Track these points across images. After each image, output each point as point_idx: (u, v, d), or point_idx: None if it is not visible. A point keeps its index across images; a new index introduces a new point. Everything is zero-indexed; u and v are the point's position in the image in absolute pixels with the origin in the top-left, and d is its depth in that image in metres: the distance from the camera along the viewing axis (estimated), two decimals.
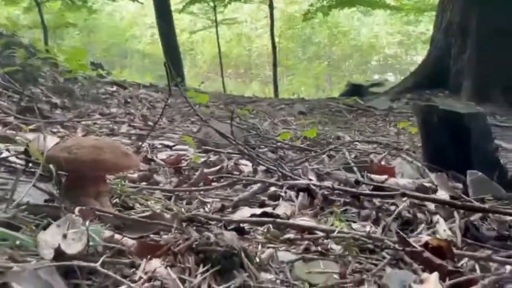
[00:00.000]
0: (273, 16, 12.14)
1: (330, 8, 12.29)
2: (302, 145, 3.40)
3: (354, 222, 1.50)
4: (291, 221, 1.37)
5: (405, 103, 7.97)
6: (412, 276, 1.01)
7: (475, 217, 1.47)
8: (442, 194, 1.65)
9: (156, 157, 2.53)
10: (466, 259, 1.18)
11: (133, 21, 21.73)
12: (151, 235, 1.09)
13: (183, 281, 0.86)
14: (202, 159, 2.41)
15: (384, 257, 1.13)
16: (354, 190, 1.68)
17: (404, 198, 1.55)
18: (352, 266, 1.07)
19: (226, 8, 13.63)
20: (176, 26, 13.01)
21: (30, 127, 2.83)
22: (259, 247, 1.16)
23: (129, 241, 0.98)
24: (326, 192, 1.68)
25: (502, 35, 7.91)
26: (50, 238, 0.82)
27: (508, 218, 1.48)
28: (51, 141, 1.41)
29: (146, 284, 0.82)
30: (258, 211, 1.48)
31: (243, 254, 0.93)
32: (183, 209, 1.54)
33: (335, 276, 1.01)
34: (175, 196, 1.70)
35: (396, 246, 1.13)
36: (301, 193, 1.66)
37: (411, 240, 1.16)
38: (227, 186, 1.88)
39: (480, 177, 1.75)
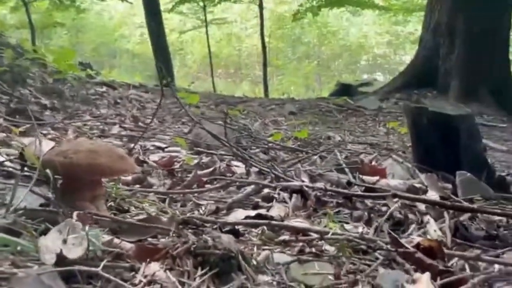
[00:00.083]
0: (263, 16, 12.16)
1: (320, 8, 12.35)
2: (293, 146, 3.42)
3: (347, 223, 1.52)
4: (285, 222, 1.39)
5: (394, 103, 8.05)
6: (405, 276, 1.04)
7: (464, 217, 1.51)
8: (432, 195, 1.69)
9: (149, 159, 2.53)
10: (456, 259, 1.21)
11: (122, 20, 21.60)
12: (149, 239, 1.11)
13: (182, 284, 0.87)
14: (195, 161, 2.42)
15: (377, 258, 1.16)
16: (346, 191, 1.71)
17: (395, 199, 1.58)
18: (346, 267, 1.09)
19: (216, 8, 13.63)
20: (166, 25, 12.96)
21: (21, 129, 2.82)
22: (255, 249, 1.18)
23: (127, 245, 1.00)
24: (318, 194, 1.70)
25: (489, 35, 8.03)
26: (51, 243, 0.83)
27: (496, 218, 1.52)
28: (46, 145, 1.42)
29: None
30: (252, 213, 1.50)
31: (240, 257, 0.95)
32: (177, 212, 1.55)
33: (330, 277, 1.04)
34: (169, 198, 1.71)
35: (389, 247, 1.15)
36: (294, 195, 1.68)
37: (403, 241, 1.19)
38: (220, 188, 1.90)
39: (469, 178, 1.79)
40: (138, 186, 1.88)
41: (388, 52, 20.83)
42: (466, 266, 1.17)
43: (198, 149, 2.90)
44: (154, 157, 2.62)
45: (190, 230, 1.28)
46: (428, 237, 1.37)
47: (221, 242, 0.94)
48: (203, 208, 1.64)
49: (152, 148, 2.99)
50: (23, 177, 1.41)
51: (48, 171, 1.17)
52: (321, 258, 1.12)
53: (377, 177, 1.83)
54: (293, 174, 2.02)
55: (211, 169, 2.26)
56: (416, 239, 1.21)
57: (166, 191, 1.79)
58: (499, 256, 1.24)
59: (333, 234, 1.22)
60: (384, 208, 1.62)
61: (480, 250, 1.29)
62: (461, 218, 1.49)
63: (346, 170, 1.98)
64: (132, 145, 2.84)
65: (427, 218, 1.50)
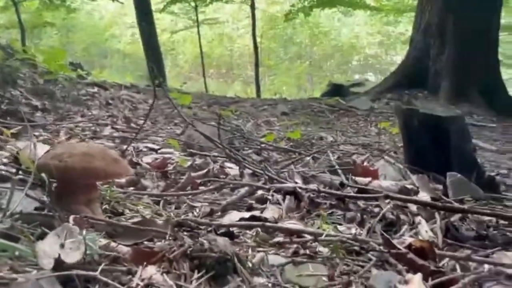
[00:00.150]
0: (255, 16, 12.18)
1: (311, 8, 12.40)
2: (286, 147, 3.44)
3: (340, 224, 1.54)
4: (279, 224, 1.41)
5: (385, 103, 8.11)
6: (397, 277, 1.06)
7: (455, 217, 1.53)
8: (424, 196, 1.71)
9: (142, 160, 2.53)
10: (447, 259, 1.23)
11: (112, 20, 21.49)
12: (145, 242, 1.11)
13: (179, 287, 0.89)
14: (188, 163, 2.43)
15: (370, 259, 1.18)
16: (339, 192, 1.73)
17: (387, 200, 1.61)
18: (340, 268, 1.11)
19: (207, 8, 13.62)
20: (157, 25, 12.93)
21: (12, 130, 2.80)
22: (250, 251, 1.19)
23: (123, 249, 1.00)
24: (312, 195, 1.72)
25: (479, 36, 8.11)
26: (48, 248, 0.83)
27: (486, 218, 1.55)
28: (41, 148, 1.42)
29: None
30: (247, 214, 1.52)
31: (236, 259, 0.96)
32: (172, 214, 1.56)
33: (324, 278, 1.05)
34: (163, 200, 1.72)
35: (382, 248, 1.17)
36: (287, 196, 1.69)
37: (395, 241, 1.21)
38: (214, 190, 1.91)
39: (459, 179, 1.82)
40: (132, 188, 1.88)
41: (380, 52, 20.97)
42: (457, 266, 1.19)
43: (191, 150, 2.91)
44: (147, 158, 2.62)
45: (185, 233, 1.29)
46: (420, 237, 1.39)
47: (217, 245, 0.96)
48: (197, 210, 1.65)
49: (145, 149, 2.99)
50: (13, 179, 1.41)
51: (43, 175, 1.18)
52: (315, 259, 1.14)
53: (369, 178, 1.85)
54: (287, 176, 2.03)
55: (204, 171, 2.27)
56: (408, 240, 1.23)
57: (160, 194, 1.80)
58: (489, 256, 1.27)
59: (326, 235, 1.24)
60: (376, 209, 1.64)
61: (470, 250, 1.31)
62: (452, 219, 1.51)
63: (339, 171, 2.00)
64: (125, 146, 2.84)
65: (418, 219, 1.52)
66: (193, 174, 2.12)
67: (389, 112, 7.26)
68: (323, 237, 1.23)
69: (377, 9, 13.37)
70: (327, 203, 1.70)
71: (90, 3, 17.06)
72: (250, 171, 2.13)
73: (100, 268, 0.83)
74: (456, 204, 1.64)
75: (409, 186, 1.84)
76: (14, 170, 1.41)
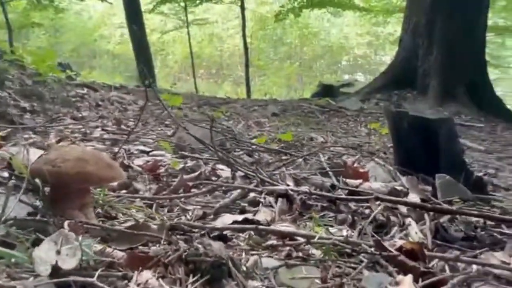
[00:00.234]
0: (245, 16, 12.19)
1: (301, 9, 12.45)
2: (277, 148, 3.46)
3: (331, 226, 1.56)
4: (272, 227, 1.43)
5: (375, 104, 8.18)
6: (388, 278, 1.08)
7: (444, 219, 1.56)
8: (413, 197, 1.74)
9: (133, 163, 2.53)
10: (436, 260, 1.26)
11: (101, 20, 21.35)
12: (140, 247, 1.12)
13: None
14: (180, 165, 2.43)
15: (361, 261, 1.20)
16: (330, 194, 1.75)
17: (378, 202, 1.63)
18: (332, 270, 1.13)
19: (197, 8, 13.60)
20: (146, 26, 12.88)
21: (1, 133, 2.78)
22: (243, 254, 1.21)
23: (118, 253, 1.01)
24: (304, 197, 1.74)
25: (466, 37, 8.22)
26: (45, 254, 0.84)
27: (474, 219, 1.58)
28: (34, 153, 1.42)
29: None
30: (239, 217, 1.53)
31: (230, 263, 0.98)
32: (165, 217, 1.56)
33: (317, 281, 1.07)
34: (156, 204, 1.72)
35: (373, 250, 1.20)
36: (280, 199, 1.71)
37: (386, 243, 1.23)
38: (207, 192, 1.92)
39: (447, 180, 1.86)
40: (124, 191, 1.88)
41: (369, 53, 21.13)
42: (446, 267, 1.22)
43: (183, 152, 2.91)
44: (139, 161, 2.62)
45: (179, 236, 1.30)
46: (410, 239, 1.42)
47: (212, 249, 0.97)
48: (190, 213, 1.66)
49: (136, 152, 2.98)
50: (5, 185, 1.40)
51: (37, 180, 1.18)
52: (308, 262, 1.16)
53: (360, 180, 1.88)
54: (278, 178, 2.05)
55: (196, 173, 2.27)
56: (399, 242, 1.25)
57: (153, 197, 1.80)
58: (477, 257, 1.30)
59: (319, 238, 1.25)
60: (367, 211, 1.67)
61: (459, 251, 1.34)
62: (441, 220, 1.54)
63: (330, 173, 2.02)
64: (116, 149, 2.84)
65: (408, 220, 1.55)
66: (185, 176, 2.13)
67: (379, 113, 7.33)
68: (315, 240, 1.25)
69: (366, 10, 13.46)
70: (319, 205, 1.72)
71: (79, 3, 16.93)
72: (242, 173, 2.14)
73: (96, 274, 0.84)
74: (445, 206, 1.67)
75: (399, 188, 1.87)
76: (6, 175, 1.41)
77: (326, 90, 9.73)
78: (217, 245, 0.99)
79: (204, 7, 14.30)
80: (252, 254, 1.20)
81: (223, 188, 1.92)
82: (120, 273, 0.91)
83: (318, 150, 2.49)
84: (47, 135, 3.42)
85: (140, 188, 2.01)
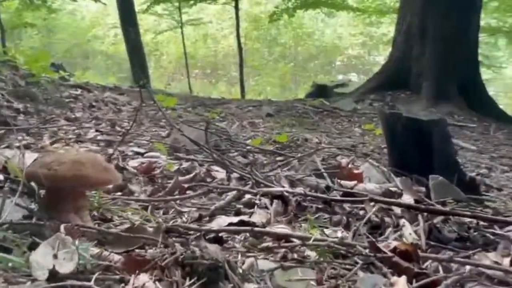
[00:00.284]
0: (239, 17, 12.20)
1: (295, 9, 12.48)
2: (272, 149, 3.47)
3: (326, 227, 1.57)
4: (267, 229, 1.43)
5: (369, 104, 8.22)
6: (383, 279, 1.09)
7: (438, 219, 1.58)
8: (407, 198, 1.76)
9: (128, 165, 2.53)
10: (430, 261, 1.27)
11: (95, 21, 21.26)
12: (136, 250, 1.13)
13: None
14: (175, 167, 2.44)
15: (356, 262, 1.21)
16: (325, 196, 1.76)
17: (372, 203, 1.65)
18: (328, 272, 1.14)
19: (191, 8, 13.58)
20: (140, 26, 12.85)
21: None
22: (239, 256, 1.21)
23: (115, 257, 1.02)
24: (299, 199, 1.75)
25: (459, 37, 8.27)
26: (42, 258, 0.84)
27: (467, 220, 1.60)
28: (30, 157, 1.42)
29: None
30: (235, 219, 1.54)
31: (227, 266, 0.98)
32: (160, 220, 1.57)
33: (313, 282, 1.08)
34: (151, 206, 1.73)
35: (368, 251, 1.21)
36: (275, 200, 1.72)
37: (380, 244, 1.25)
38: (202, 194, 1.92)
39: (441, 181, 1.87)
40: (119, 193, 1.88)
41: (362, 53, 21.22)
42: (440, 268, 1.24)
43: (178, 154, 2.91)
44: (134, 163, 2.61)
45: (175, 239, 1.31)
46: (404, 240, 1.43)
47: (208, 252, 0.98)
48: (186, 215, 1.66)
49: (131, 153, 2.98)
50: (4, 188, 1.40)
51: (32, 183, 1.18)
52: (304, 264, 1.17)
53: (354, 182, 1.89)
54: (273, 179, 2.06)
55: (191, 175, 2.28)
56: (393, 243, 1.27)
57: (148, 199, 1.81)
58: (470, 258, 1.31)
59: (314, 240, 1.26)
60: (361, 212, 1.68)
61: (452, 252, 1.36)
62: (435, 221, 1.56)
63: (325, 174, 2.03)
64: (111, 150, 2.83)
65: (402, 221, 1.56)
66: (180, 178, 2.13)
67: (372, 113, 7.36)
68: (311, 242, 1.26)
69: (359, 10, 13.51)
70: (314, 206, 1.73)
71: (72, 3, 16.84)
72: (237, 175, 2.15)
73: (94, 277, 0.84)
74: (439, 207, 1.69)
75: (393, 189, 1.89)
76: (1, 178, 1.40)
77: (320, 91, 9.75)
78: (213, 248, 1.00)
79: (198, 7, 14.29)
80: (248, 256, 1.21)
81: (219, 190, 1.93)
82: (117, 277, 0.92)
83: (313, 152, 2.50)
84: (40, 137, 3.41)
85: (135, 190, 2.01)
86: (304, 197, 1.75)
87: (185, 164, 2.58)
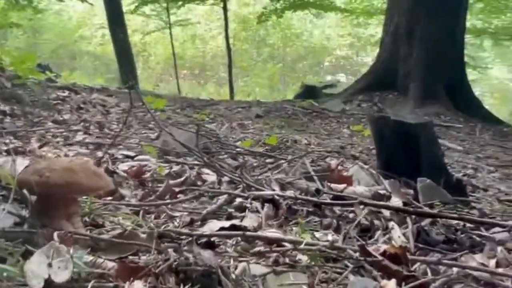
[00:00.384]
0: (227, 17, 12.20)
1: (283, 10, 12.52)
2: (262, 151, 3.48)
3: (317, 230, 1.59)
4: (259, 233, 1.45)
5: (357, 105, 8.28)
6: (373, 283, 1.12)
7: (426, 222, 1.61)
8: (396, 201, 1.79)
9: (118, 168, 2.52)
10: (418, 263, 1.30)
11: (82, 21, 21.07)
12: (130, 256, 1.13)
13: None
14: (166, 170, 2.44)
15: (346, 265, 1.23)
16: (316, 199, 1.78)
17: (362, 206, 1.67)
18: (319, 276, 1.16)
19: (179, 9, 13.55)
20: (128, 26, 12.78)
21: None
22: (231, 261, 1.23)
23: (109, 264, 1.02)
24: (289, 202, 1.77)
25: (446, 38, 8.38)
26: (36, 267, 0.85)
27: (454, 222, 1.63)
28: (21, 163, 1.41)
29: None
30: (227, 223, 1.55)
31: (220, 272, 1.00)
32: (152, 224, 1.57)
33: (304, 287, 1.10)
34: (142, 210, 1.73)
35: (358, 255, 1.23)
36: (266, 204, 1.73)
37: (371, 248, 1.27)
38: (193, 198, 1.93)
39: (428, 184, 1.91)
40: (110, 198, 1.88)
41: (350, 54, 21.36)
42: (428, 270, 1.26)
43: (167, 157, 2.91)
44: (124, 166, 2.61)
45: (167, 244, 1.31)
46: (393, 242, 1.46)
47: (202, 258, 0.99)
48: (177, 220, 1.67)
49: (120, 156, 2.97)
50: None
51: (24, 191, 1.18)
52: (295, 268, 1.18)
53: (344, 185, 1.92)
54: (264, 183, 2.07)
55: (182, 178, 2.28)
56: (383, 246, 1.29)
57: (139, 203, 1.81)
58: (457, 260, 1.34)
59: (306, 244, 1.28)
60: (351, 215, 1.71)
61: (440, 254, 1.39)
62: (423, 223, 1.59)
63: (315, 178, 2.06)
64: (100, 154, 2.82)
65: (391, 224, 1.59)
66: (171, 182, 2.14)
67: (361, 114, 7.43)
68: (302, 246, 1.27)
69: (347, 12, 13.60)
70: (304, 210, 1.75)
71: (58, 4, 16.68)
72: (228, 178, 2.16)
73: (89, 286, 0.85)
74: (426, 209, 1.72)
75: (382, 192, 1.92)
76: None
77: (309, 91, 9.80)
78: (207, 254, 1.02)
79: (186, 8, 14.25)
80: (240, 261, 1.22)
81: (210, 193, 1.94)
82: (111, 284, 0.93)
83: (303, 155, 2.52)
84: (28, 140, 3.38)
85: (126, 194, 2.01)
86: (294, 201, 1.77)
87: (176, 168, 2.59)
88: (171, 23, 13.49)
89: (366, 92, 8.82)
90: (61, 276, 0.84)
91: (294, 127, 6.20)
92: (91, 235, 1.21)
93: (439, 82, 8.27)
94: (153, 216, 1.73)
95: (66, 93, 6.65)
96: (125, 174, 2.35)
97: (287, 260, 1.24)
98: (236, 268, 1.15)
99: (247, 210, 1.72)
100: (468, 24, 10.03)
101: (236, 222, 1.58)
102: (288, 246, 1.32)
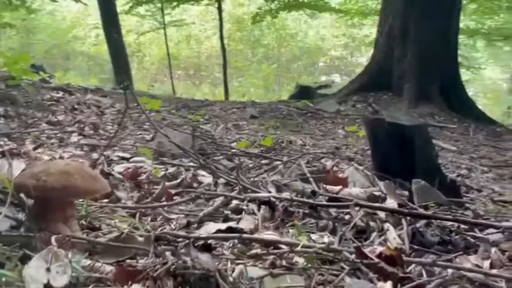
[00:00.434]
0: (222, 18, 12.20)
1: (278, 11, 12.54)
2: (257, 152, 3.49)
3: (313, 232, 1.60)
4: (256, 235, 1.45)
5: (351, 106, 8.31)
6: (369, 285, 1.13)
7: (421, 223, 1.62)
8: (391, 202, 1.80)
9: (113, 170, 2.51)
10: (414, 265, 1.31)
11: (76, 21, 20.99)
12: (127, 260, 1.13)
13: None
14: (162, 172, 2.44)
15: (343, 267, 1.24)
16: (312, 201, 1.79)
17: (357, 208, 1.68)
18: (316, 278, 1.16)
19: (174, 10, 13.53)
20: (123, 26, 12.74)
21: None
22: (228, 264, 1.23)
23: (107, 268, 1.02)
24: (286, 204, 1.77)
25: (439, 39, 8.43)
26: (35, 272, 0.85)
27: (449, 223, 1.65)
28: (17, 167, 1.41)
29: None
30: (223, 226, 1.55)
31: (218, 275, 1.00)
32: (149, 227, 1.57)
33: None
34: (139, 213, 1.73)
35: (354, 257, 1.24)
36: (262, 206, 1.74)
37: (367, 250, 1.28)
38: (189, 200, 1.93)
39: (423, 185, 1.93)
40: (106, 200, 1.88)
41: (345, 54, 21.44)
42: (423, 272, 1.27)
43: (163, 159, 2.90)
44: (119, 168, 2.60)
45: (164, 246, 1.32)
46: (388, 244, 1.47)
47: (199, 262, 0.99)
48: (174, 222, 1.67)
49: (116, 158, 2.96)
50: None
51: (22, 195, 1.18)
52: (292, 270, 1.19)
53: (340, 187, 1.93)
54: (260, 184, 2.08)
55: (178, 180, 2.28)
56: (378, 248, 1.30)
57: (135, 206, 1.81)
58: (452, 261, 1.36)
59: (302, 246, 1.29)
60: (347, 217, 1.72)
61: (435, 256, 1.40)
62: (418, 225, 1.60)
63: (311, 179, 2.07)
64: (95, 155, 2.81)
65: (387, 225, 1.60)
66: (167, 183, 2.14)
67: (355, 114, 7.46)
68: (299, 248, 1.28)
69: (342, 12, 13.65)
70: (300, 212, 1.76)
71: (51, 4, 16.60)
72: (224, 180, 2.17)
73: None
74: (421, 211, 1.74)
75: (377, 193, 1.93)
76: None
77: (304, 92, 9.82)
78: (204, 257, 1.02)
79: (181, 8, 14.22)
80: (238, 264, 1.23)
81: (206, 196, 1.94)
82: None
83: (299, 157, 2.53)
84: (23, 142, 3.37)
85: (122, 197, 2.01)
86: (290, 203, 1.77)
87: (171, 169, 2.59)
88: (166, 24, 13.47)
89: (361, 93, 8.86)
90: (60, 281, 0.84)
91: (289, 127, 6.22)
92: (89, 238, 1.22)
93: (433, 83, 8.32)
94: (149, 218, 1.74)
95: (60, 94, 6.63)
96: (120, 176, 2.34)
97: (284, 262, 1.24)
98: (233, 271, 1.16)
99: (243, 212, 1.73)
100: (461, 24, 10.10)
101: (232, 224, 1.59)
102: (285, 248, 1.32)
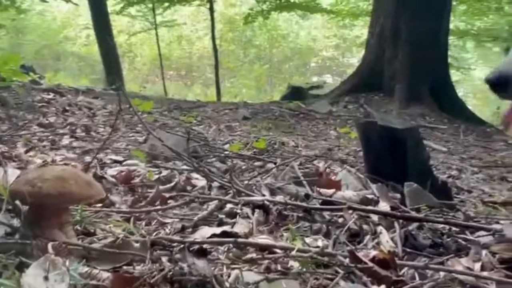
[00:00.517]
0: (214, 18, 12.19)
1: (269, 12, 12.58)
2: (250, 154, 3.50)
3: (307, 236, 1.62)
4: (250, 240, 1.47)
5: (343, 106, 8.36)
6: None
7: (413, 226, 1.65)
8: (383, 205, 1.82)
9: (106, 173, 2.51)
10: (406, 268, 1.33)
11: (66, 22, 20.85)
12: (124, 266, 1.14)
13: None
14: (156, 176, 2.44)
15: (337, 271, 1.26)
16: (305, 205, 1.80)
17: (351, 211, 1.70)
18: (311, 283, 1.18)
19: (165, 11, 13.50)
20: (114, 27, 12.68)
21: None
22: (224, 269, 1.24)
23: (103, 275, 1.03)
24: (280, 207, 1.79)
25: (430, 40, 8.50)
26: (33, 280, 0.85)
27: (440, 226, 1.67)
28: (12, 173, 1.41)
29: None
30: (218, 230, 1.56)
31: (214, 281, 1.01)
32: (144, 232, 1.58)
33: None
34: (133, 217, 1.73)
35: (348, 261, 1.26)
36: (256, 210, 1.75)
37: (360, 254, 1.29)
38: (184, 204, 1.93)
39: (415, 188, 1.95)
40: (100, 205, 1.88)
41: (337, 55, 21.54)
42: (416, 275, 1.29)
43: (156, 161, 2.90)
44: (112, 171, 2.59)
45: (159, 251, 1.32)
46: (381, 247, 1.49)
47: (196, 268, 1.00)
48: (168, 226, 1.67)
49: (108, 161, 2.95)
50: None
51: (17, 202, 1.18)
52: (287, 275, 1.20)
53: (333, 190, 1.94)
54: (254, 188, 2.09)
55: (172, 184, 2.29)
56: (372, 252, 1.32)
57: (130, 210, 1.81)
58: (444, 264, 1.38)
59: (297, 251, 1.30)
60: (340, 220, 1.73)
61: (427, 258, 1.42)
62: (410, 228, 1.62)
63: (304, 183, 2.08)
64: (88, 158, 2.80)
65: (380, 228, 1.62)
66: (160, 187, 2.14)
67: (347, 115, 7.50)
68: (294, 253, 1.29)
69: (333, 13, 13.71)
70: (294, 215, 1.77)
71: (41, 4, 16.48)
72: (218, 184, 2.17)
73: None
74: (413, 213, 1.76)
75: (370, 196, 1.95)
76: None
77: (296, 92, 9.86)
78: (201, 263, 1.03)
79: (172, 9, 14.20)
80: (233, 268, 1.24)
81: (200, 199, 1.95)
82: None
83: (293, 159, 2.55)
84: (14, 144, 3.35)
85: (116, 201, 2.01)
86: (285, 206, 1.79)
87: (165, 172, 2.58)
88: (157, 24, 13.44)
89: (352, 94, 8.91)
90: None
91: (282, 129, 6.24)
92: (85, 245, 1.22)
93: (423, 83, 8.39)
94: (144, 223, 1.74)
95: (51, 95, 6.59)
96: (114, 180, 2.34)
97: (279, 267, 1.25)
98: (229, 276, 1.17)
99: (238, 216, 1.74)
100: (451, 26, 10.20)
101: (227, 228, 1.59)
102: (280, 252, 1.33)
